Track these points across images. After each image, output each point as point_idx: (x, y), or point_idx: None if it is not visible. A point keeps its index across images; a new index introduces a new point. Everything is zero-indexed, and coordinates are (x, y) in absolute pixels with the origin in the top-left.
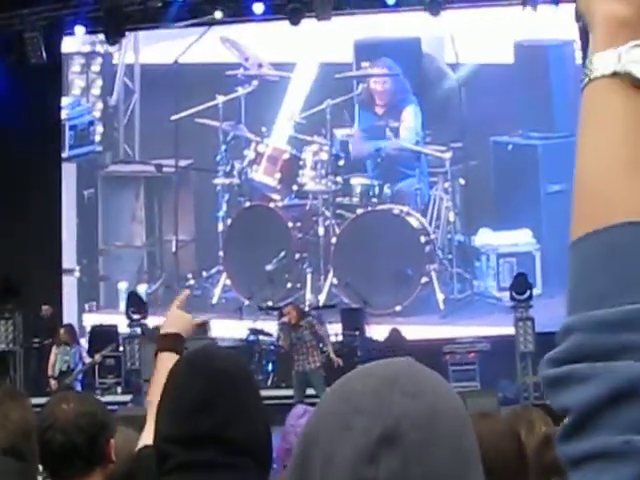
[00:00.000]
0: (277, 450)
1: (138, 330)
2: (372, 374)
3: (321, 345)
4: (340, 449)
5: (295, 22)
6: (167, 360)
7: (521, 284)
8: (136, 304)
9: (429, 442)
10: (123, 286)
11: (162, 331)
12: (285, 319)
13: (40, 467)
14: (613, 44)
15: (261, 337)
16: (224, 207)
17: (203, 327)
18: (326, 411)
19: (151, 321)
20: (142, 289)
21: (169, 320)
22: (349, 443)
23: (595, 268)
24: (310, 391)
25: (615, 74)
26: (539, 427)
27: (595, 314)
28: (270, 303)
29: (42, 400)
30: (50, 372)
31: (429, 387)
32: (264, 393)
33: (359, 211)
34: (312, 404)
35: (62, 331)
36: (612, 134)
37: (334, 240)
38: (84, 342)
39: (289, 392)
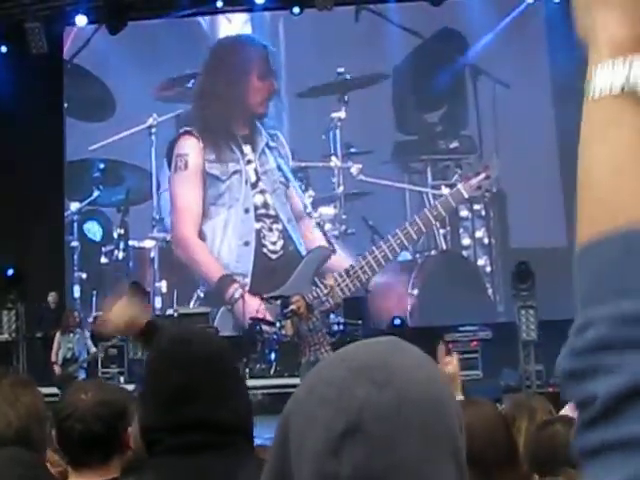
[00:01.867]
0: None
1: None
2: (343, 361)
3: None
4: (307, 441)
5: (296, 12)
6: None
7: (523, 273)
8: (138, 294)
9: (394, 433)
10: None
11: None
12: (293, 307)
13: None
14: (616, 62)
15: (263, 326)
16: None
17: (206, 316)
18: (296, 399)
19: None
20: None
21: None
22: (314, 435)
23: (615, 265)
24: None
25: (621, 91)
26: (540, 416)
27: (619, 306)
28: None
29: (47, 390)
30: (54, 358)
31: (400, 374)
32: (267, 382)
33: None
34: None
35: (65, 315)
36: (620, 146)
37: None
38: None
39: (291, 381)
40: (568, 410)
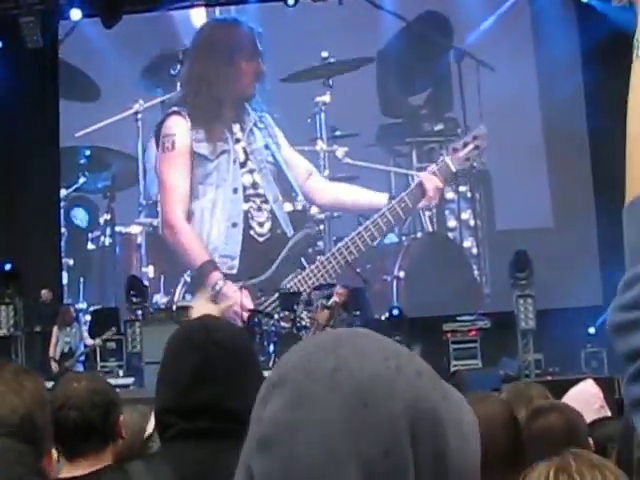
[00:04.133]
0: None
1: (139, 313)
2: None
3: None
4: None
5: (291, 4)
6: None
7: (521, 261)
8: (136, 287)
9: (316, 392)
10: None
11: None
12: (336, 299)
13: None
14: None
15: (262, 318)
16: None
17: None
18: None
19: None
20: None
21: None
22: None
23: None
24: None
25: None
26: (537, 403)
27: None
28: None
29: (46, 384)
30: (51, 353)
31: (354, 347)
32: (266, 374)
33: None
34: None
35: (62, 310)
36: None
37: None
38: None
39: None
40: (569, 398)
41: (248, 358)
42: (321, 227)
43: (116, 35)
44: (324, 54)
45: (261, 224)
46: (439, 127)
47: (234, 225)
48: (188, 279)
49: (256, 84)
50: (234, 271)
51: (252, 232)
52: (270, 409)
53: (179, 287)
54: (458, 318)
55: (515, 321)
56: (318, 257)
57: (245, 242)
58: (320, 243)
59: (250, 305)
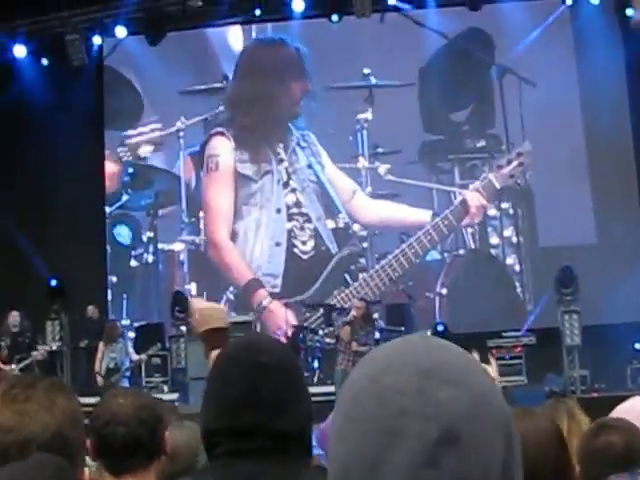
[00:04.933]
0: (324, 447)
1: (184, 329)
2: (405, 365)
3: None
4: (391, 456)
5: (335, 20)
6: None
7: (566, 277)
8: (181, 303)
9: (481, 432)
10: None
11: (207, 327)
12: (354, 313)
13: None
14: None
15: (306, 334)
16: None
17: (249, 325)
18: (359, 415)
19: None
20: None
21: (207, 313)
22: (402, 448)
23: None
24: None
25: None
26: (578, 414)
27: None
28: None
29: (91, 400)
30: (97, 368)
31: (462, 368)
32: (310, 390)
33: None
34: None
35: (108, 326)
36: None
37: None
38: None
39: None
40: (617, 415)
41: (295, 378)
42: (364, 244)
43: (160, 52)
44: (366, 70)
45: (304, 242)
46: (481, 144)
47: (277, 244)
48: (231, 296)
49: (301, 103)
50: (277, 289)
51: (296, 250)
52: (448, 468)
53: (221, 304)
54: (503, 334)
55: (560, 337)
56: (361, 274)
57: (288, 260)
58: (363, 260)
59: (294, 321)
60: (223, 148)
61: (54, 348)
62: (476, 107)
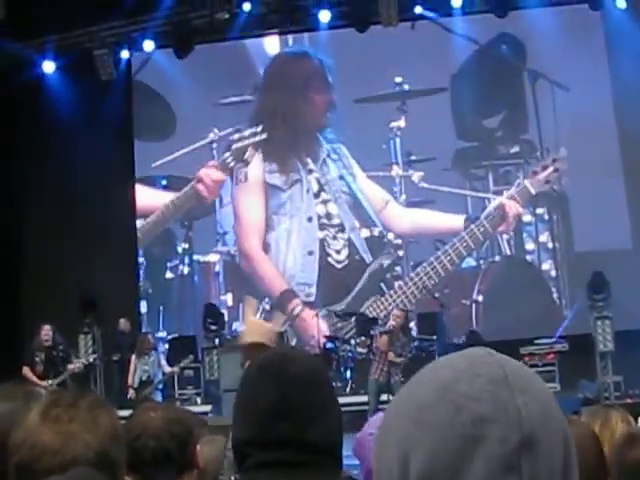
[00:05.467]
0: (360, 457)
1: (216, 341)
2: (478, 376)
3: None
4: (472, 461)
5: (362, 29)
6: None
7: (599, 283)
8: (213, 315)
9: (550, 439)
10: None
11: (247, 340)
12: (393, 323)
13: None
14: None
15: (338, 344)
16: None
17: (280, 335)
18: (434, 422)
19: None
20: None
21: (250, 328)
22: (484, 454)
23: None
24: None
25: None
26: (615, 422)
27: None
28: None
29: (124, 412)
30: (130, 381)
31: (529, 377)
32: (342, 400)
33: None
34: None
35: (140, 339)
36: None
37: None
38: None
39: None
40: None
41: (325, 389)
42: (399, 253)
43: (189, 65)
44: (398, 79)
45: (338, 251)
46: (515, 149)
47: (310, 253)
48: (267, 307)
49: (328, 114)
50: (312, 298)
51: (330, 259)
52: (528, 473)
53: (258, 315)
54: (536, 341)
55: (593, 343)
56: (396, 282)
57: (322, 269)
58: (398, 268)
59: (327, 331)
60: (251, 159)
61: (90, 361)
62: (509, 113)
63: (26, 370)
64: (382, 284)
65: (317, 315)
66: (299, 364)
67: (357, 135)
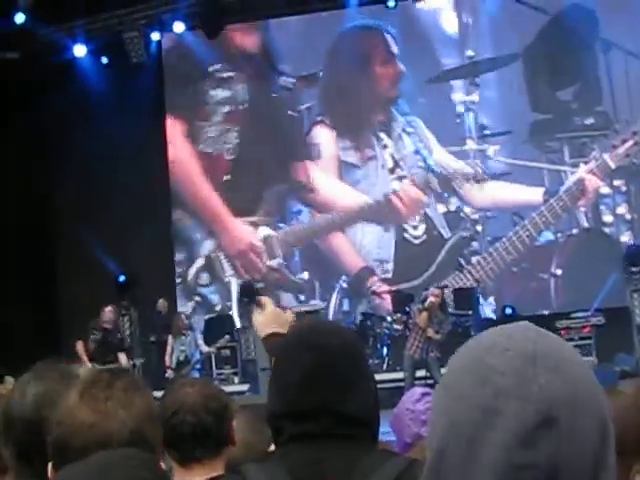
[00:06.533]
0: (396, 431)
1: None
2: (507, 350)
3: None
4: (488, 434)
5: (391, 6)
6: None
7: (635, 255)
8: (249, 293)
9: (578, 421)
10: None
11: (268, 331)
12: (432, 299)
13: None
14: None
15: (375, 321)
16: None
17: (318, 313)
18: (459, 392)
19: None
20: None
21: (270, 319)
22: (500, 427)
23: None
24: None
25: None
26: None
27: None
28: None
29: (162, 393)
30: (167, 362)
31: (563, 355)
32: (379, 377)
33: None
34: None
35: (176, 320)
36: None
37: None
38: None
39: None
40: None
41: (360, 362)
42: (477, 227)
43: (218, 45)
44: (470, 53)
45: (415, 227)
46: (589, 121)
47: (386, 230)
48: (345, 285)
49: (398, 86)
50: (389, 274)
51: (407, 235)
52: (544, 451)
53: (335, 293)
54: (572, 315)
55: (630, 316)
56: (474, 257)
57: (399, 245)
58: (475, 243)
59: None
60: (324, 137)
61: (137, 365)
62: (582, 84)
63: (79, 345)
64: (460, 259)
65: (375, 292)
66: (334, 336)
67: (430, 110)
